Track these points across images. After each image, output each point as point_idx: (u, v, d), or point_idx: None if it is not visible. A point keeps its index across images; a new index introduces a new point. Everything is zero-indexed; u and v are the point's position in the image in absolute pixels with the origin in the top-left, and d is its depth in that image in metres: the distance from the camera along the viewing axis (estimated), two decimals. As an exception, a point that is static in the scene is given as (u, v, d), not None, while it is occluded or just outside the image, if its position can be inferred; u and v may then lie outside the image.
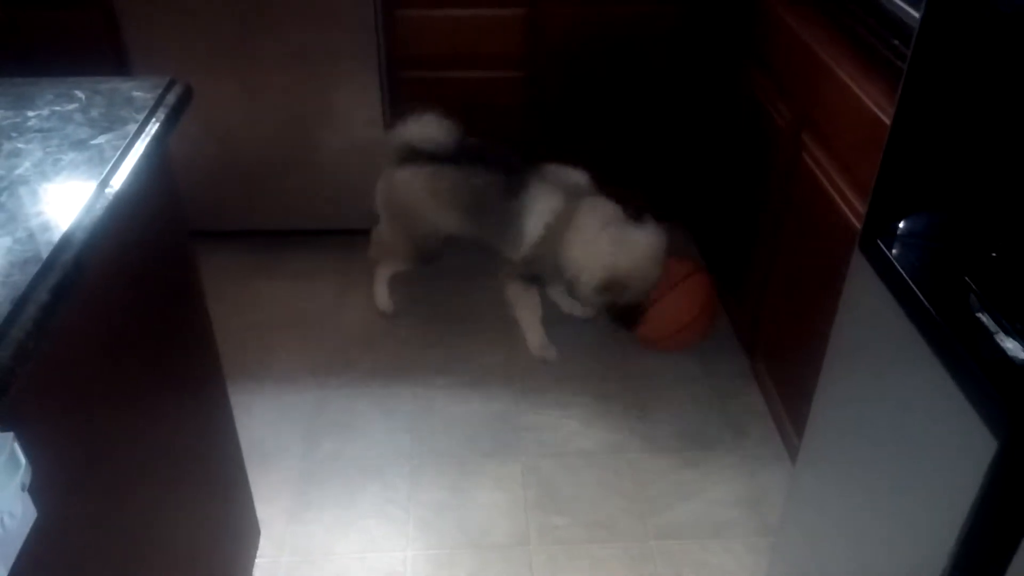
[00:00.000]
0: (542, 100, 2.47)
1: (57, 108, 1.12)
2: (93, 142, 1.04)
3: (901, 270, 1.05)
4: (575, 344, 2.30)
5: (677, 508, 1.85)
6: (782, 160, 1.87)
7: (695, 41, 2.40)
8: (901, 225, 1.11)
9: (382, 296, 2.39)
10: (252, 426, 2.00)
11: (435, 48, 2.38)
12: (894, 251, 1.08)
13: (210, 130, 2.40)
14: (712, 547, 1.76)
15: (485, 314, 2.40)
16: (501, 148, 2.20)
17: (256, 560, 1.70)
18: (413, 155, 2.18)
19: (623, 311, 2.13)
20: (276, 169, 2.52)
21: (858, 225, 1.24)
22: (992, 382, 0.87)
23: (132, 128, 1.07)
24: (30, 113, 1.10)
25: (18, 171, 0.98)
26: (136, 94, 1.16)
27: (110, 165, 1.00)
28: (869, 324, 1.16)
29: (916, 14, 1.33)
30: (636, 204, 2.21)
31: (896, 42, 1.45)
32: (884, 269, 1.09)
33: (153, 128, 1.10)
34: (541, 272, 2.18)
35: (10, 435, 0.75)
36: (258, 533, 1.73)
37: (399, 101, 2.40)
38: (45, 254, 0.84)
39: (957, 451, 0.93)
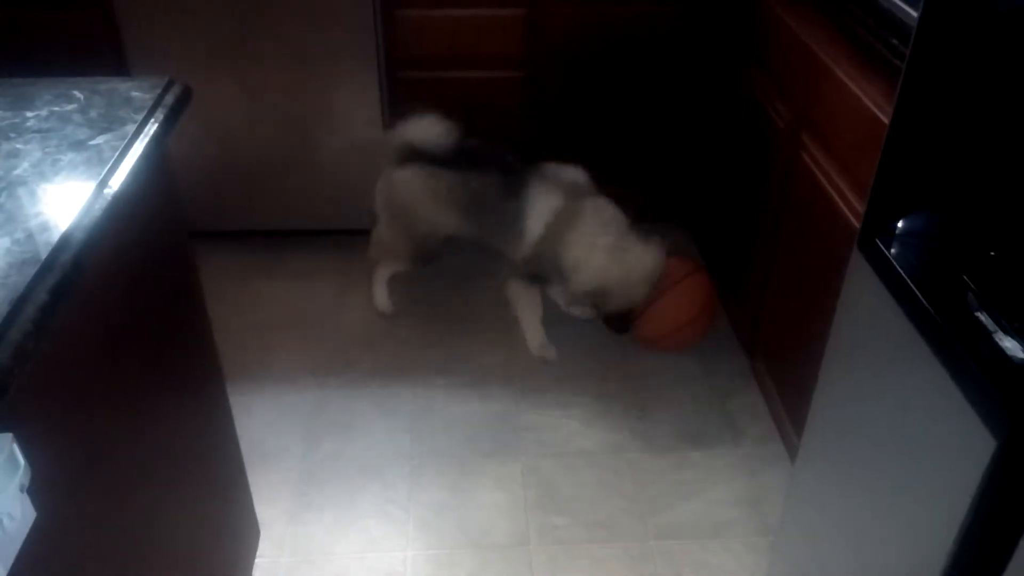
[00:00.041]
0: (542, 100, 2.47)
1: (56, 108, 1.12)
2: (92, 142, 1.04)
3: (900, 269, 1.05)
4: (575, 344, 2.30)
5: (677, 508, 1.85)
6: (781, 160, 1.87)
7: (694, 41, 2.40)
8: (900, 224, 1.11)
9: (381, 296, 2.39)
10: (252, 426, 2.01)
11: (434, 48, 2.38)
12: (893, 250, 1.08)
13: (209, 130, 2.40)
14: (712, 547, 1.76)
15: (485, 314, 2.40)
16: (500, 148, 2.20)
17: (256, 560, 1.70)
18: (413, 155, 2.18)
19: (612, 316, 2.14)
20: (276, 169, 2.52)
21: (857, 224, 1.24)
22: (991, 381, 0.87)
23: (131, 128, 1.07)
24: (29, 114, 1.11)
25: (16, 172, 0.98)
26: (135, 94, 1.16)
27: (109, 165, 1.00)
28: (868, 323, 1.16)
29: (915, 14, 1.33)
30: (638, 205, 2.21)
31: (895, 41, 1.45)
32: (883, 268, 1.09)
33: (152, 128, 1.10)
34: (542, 271, 2.18)
35: (9, 436, 0.75)
36: (258, 533, 1.73)
37: (398, 101, 2.40)
38: (44, 255, 0.84)
39: (956, 450, 0.93)
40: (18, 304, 0.78)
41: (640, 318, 2.16)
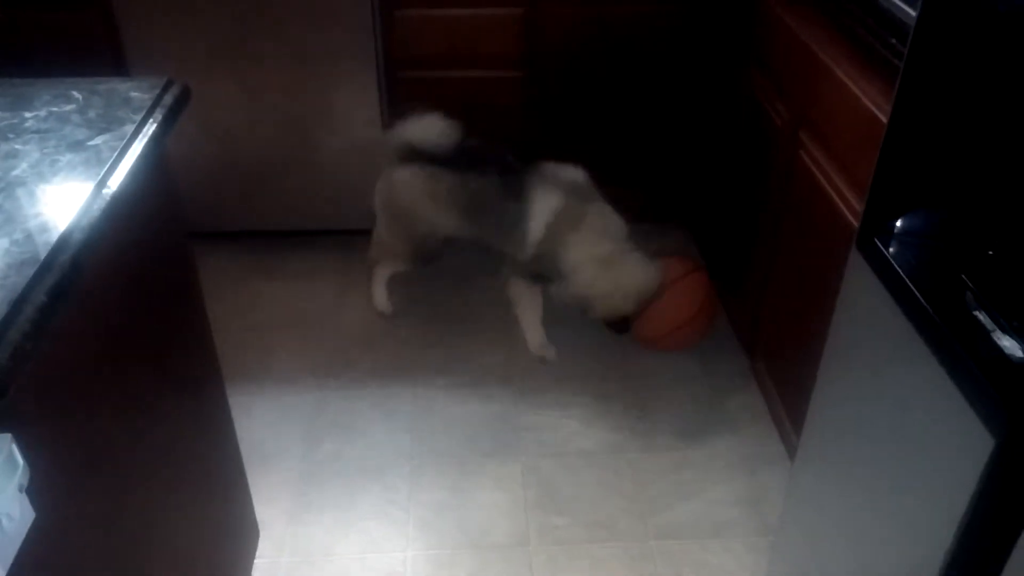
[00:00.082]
0: (541, 100, 2.47)
1: (54, 109, 1.12)
2: (90, 143, 1.04)
3: (898, 268, 1.05)
4: (575, 344, 2.30)
5: (677, 508, 1.85)
6: (781, 160, 1.87)
7: (694, 41, 2.40)
8: (898, 223, 1.11)
9: (380, 297, 2.39)
10: (252, 427, 2.01)
11: (433, 48, 2.38)
12: (891, 249, 1.08)
13: (209, 130, 2.40)
14: (712, 547, 1.76)
15: (485, 314, 2.40)
16: (500, 148, 2.19)
17: (256, 561, 1.70)
18: (413, 156, 2.18)
19: (612, 319, 2.15)
20: (275, 169, 2.52)
21: (856, 224, 1.24)
22: (989, 380, 0.87)
23: (129, 129, 1.07)
24: (27, 114, 1.11)
25: (15, 172, 0.98)
26: (133, 95, 1.16)
27: (107, 166, 1.00)
28: (867, 322, 1.16)
29: (914, 13, 1.33)
30: (638, 205, 2.21)
31: (894, 41, 1.45)
32: (881, 267, 1.09)
33: (151, 129, 1.10)
34: (543, 271, 2.18)
35: (8, 436, 0.75)
36: (257, 534, 1.73)
37: (397, 101, 2.41)
38: (42, 255, 0.84)
39: (954, 449, 0.93)
40: (17, 305, 0.78)
41: (639, 318, 2.16)
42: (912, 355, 1.00)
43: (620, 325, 2.17)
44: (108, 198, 0.96)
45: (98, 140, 1.05)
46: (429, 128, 2.14)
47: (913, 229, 1.11)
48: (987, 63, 1.01)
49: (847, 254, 1.20)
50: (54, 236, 0.87)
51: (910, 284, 1.02)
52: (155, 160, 1.11)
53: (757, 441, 2.01)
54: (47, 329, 0.80)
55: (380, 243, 2.35)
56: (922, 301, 0.99)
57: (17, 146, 1.04)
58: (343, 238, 2.62)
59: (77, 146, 1.04)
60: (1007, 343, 0.89)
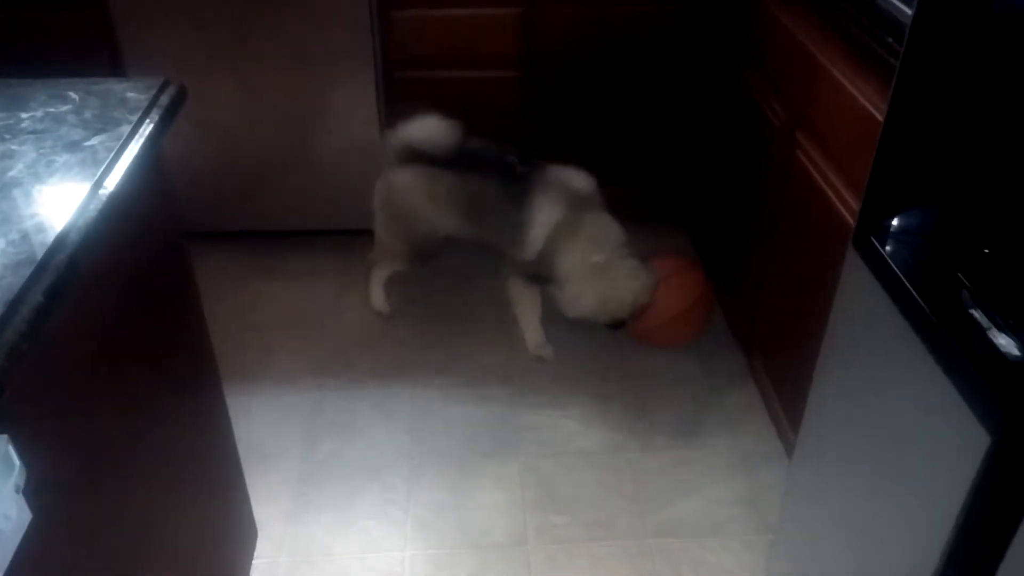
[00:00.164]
0: (539, 100, 2.47)
1: (51, 109, 1.12)
2: (87, 143, 1.04)
3: (894, 267, 1.05)
4: (574, 344, 2.30)
5: (676, 506, 1.85)
6: (777, 159, 1.87)
7: (691, 41, 2.40)
8: (894, 222, 1.12)
9: (378, 297, 2.39)
10: (251, 427, 2.01)
11: (431, 48, 2.38)
12: (887, 248, 1.09)
13: (207, 131, 2.40)
14: (711, 545, 1.76)
15: (484, 314, 2.41)
16: (501, 149, 2.19)
17: (254, 561, 1.70)
18: (412, 156, 2.18)
19: (609, 322, 2.15)
20: (274, 169, 2.52)
21: (852, 223, 1.24)
22: (985, 378, 0.87)
23: (126, 129, 1.07)
24: (23, 114, 1.11)
25: (11, 173, 0.98)
26: (130, 95, 1.16)
27: (104, 166, 1.00)
28: (863, 321, 1.16)
29: (910, 12, 1.33)
30: (636, 206, 2.21)
31: (890, 40, 1.45)
32: (878, 266, 1.09)
33: (147, 129, 1.10)
34: (542, 273, 2.18)
35: (4, 437, 0.75)
36: (256, 534, 1.73)
37: (396, 101, 2.41)
38: (39, 256, 0.84)
39: (951, 446, 0.93)
40: (13, 305, 0.78)
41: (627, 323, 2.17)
42: (908, 353, 1.00)
43: (613, 324, 2.16)
44: (104, 198, 0.96)
45: (94, 140, 1.05)
46: (428, 129, 2.14)
47: (909, 228, 1.11)
48: (983, 62, 1.02)
49: (844, 253, 1.20)
50: (50, 236, 0.87)
51: (906, 282, 1.02)
52: (151, 160, 1.11)
53: (755, 439, 2.01)
54: (43, 329, 0.80)
55: (378, 243, 2.35)
56: (918, 299, 0.99)
57: (13, 147, 1.04)
58: (342, 238, 2.62)
59: (73, 146, 1.04)
60: (1003, 341, 0.89)
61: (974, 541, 0.91)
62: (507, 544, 1.77)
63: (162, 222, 1.25)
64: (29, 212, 0.91)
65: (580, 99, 2.48)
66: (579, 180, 2.14)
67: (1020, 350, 0.87)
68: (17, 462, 0.77)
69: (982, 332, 0.91)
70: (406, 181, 2.20)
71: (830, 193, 1.60)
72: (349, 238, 2.58)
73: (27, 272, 0.82)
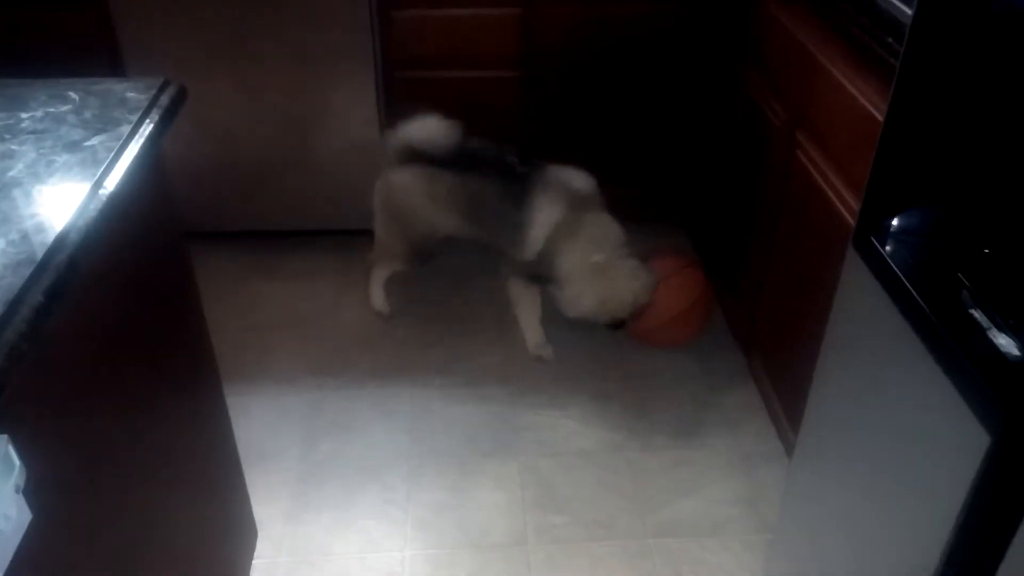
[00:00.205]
0: (538, 100, 2.47)
1: (50, 109, 1.12)
2: (87, 143, 1.04)
3: (894, 267, 1.05)
4: (573, 344, 2.30)
5: (675, 506, 1.85)
6: (777, 159, 1.87)
7: (691, 40, 2.40)
8: (894, 222, 1.12)
9: (378, 297, 2.39)
10: (250, 427, 2.00)
11: (431, 48, 2.38)
12: (887, 248, 1.09)
13: (207, 131, 2.40)
14: (710, 545, 1.76)
15: (483, 314, 2.41)
16: (501, 149, 2.18)
17: (254, 561, 1.70)
18: (411, 157, 2.18)
19: (609, 322, 2.15)
20: (273, 169, 2.52)
21: (852, 223, 1.24)
22: (985, 378, 0.87)
23: (126, 129, 1.07)
24: (23, 115, 1.11)
25: (11, 173, 0.98)
26: (130, 95, 1.16)
27: (104, 166, 1.00)
28: (863, 321, 1.16)
29: (910, 12, 1.33)
30: (636, 205, 2.21)
31: (890, 40, 1.45)
32: (878, 266, 1.09)
33: (147, 129, 1.10)
34: (542, 273, 2.18)
35: (4, 437, 0.75)
36: (255, 534, 1.73)
37: (395, 101, 2.41)
38: (39, 256, 0.84)
39: (951, 446, 0.93)
40: (13, 305, 0.78)
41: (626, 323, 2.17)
42: (908, 353, 1.00)
43: (613, 324, 2.17)
44: (104, 198, 0.96)
45: (94, 141, 1.05)
46: (428, 129, 2.14)
47: (909, 228, 1.11)
48: (983, 62, 1.02)
49: (844, 253, 1.20)
50: (50, 236, 0.87)
51: (906, 282, 1.02)
52: (151, 160, 1.11)
53: (755, 439, 2.02)
54: (43, 330, 0.80)
55: (378, 243, 2.35)
56: (918, 299, 0.99)
57: (13, 147, 1.04)
58: (342, 238, 2.62)
59: (73, 146, 1.04)
60: (1003, 341, 0.89)
61: (974, 541, 0.91)
62: (507, 544, 1.77)
63: (162, 222, 1.25)
64: (29, 212, 0.91)
65: (580, 99, 2.48)
66: (579, 180, 2.14)
67: (1020, 350, 0.87)
68: (17, 462, 0.77)
69: (982, 332, 0.91)
70: (406, 181, 2.20)
71: (830, 193, 1.60)
72: (349, 238, 2.58)
73: (27, 272, 0.82)
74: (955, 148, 1.06)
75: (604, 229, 2.11)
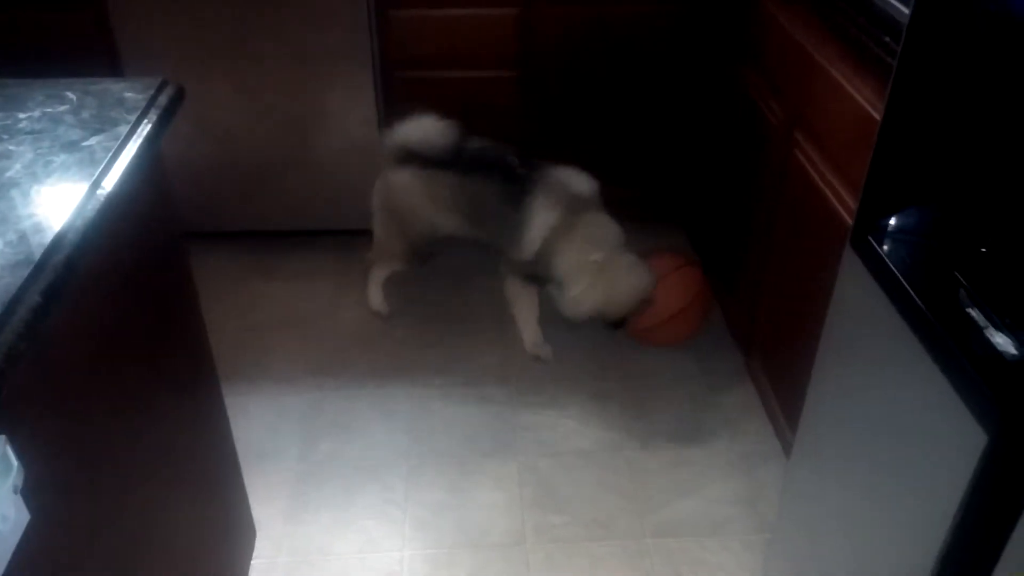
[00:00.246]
0: (537, 100, 2.47)
1: (48, 110, 1.12)
2: (84, 143, 1.04)
3: (892, 266, 1.05)
4: (572, 343, 2.30)
5: (674, 506, 1.85)
6: (775, 158, 1.88)
7: (689, 40, 2.40)
8: (892, 221, 1.12)
9: (376, 297, 2.39)
10: (249, 427, 2.01)
11: (429, 48, 2.38)
12: (885, 247, 1.09)
13: (205, 131, 2.40)
14: (710, 545, 1.77)
15: (482, 314, 2.41)
16: (501, 149, 2.18)
17: (253, 561, 1.70)
18: (409, 156, 2.18)
19: (606, 321, 2.15)
20: (272, 170, 2.52)
21: (850, 222, 1.24)
22: (982, 377, 0.87)
23: (124, 129, 1.07)
24: (21, 115, 1.11)
25: (9, 173, 0.98)
26: (128, 95, 1.16)
27: (102, 166, 1.00)
28: (860, 320, 1.16)
29: (907, 12, 1.34)
30: (634, 205, 2.21)
31: (887, 39, 1.45)
32: (875, 265, 1.09)
33: (145, 129, 1.10)
34: (540, 274, 2.18)
35: (2, 438, 0.75)
36: (254, 534, 1.73)
37: (394, 101, 2.41)
38: (37, 256, 0.84)
39: (948, 445, 0.94)
40: (11, 306, 0.78)
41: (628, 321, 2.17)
42: (906, 352, 1.00)
43: (614, 323, 2.17)
44: (102, 199, 0.96)
45: (92, 141, 1.05)
46: (423, 129, 2.14)
47: (907, 227, 1.11)
48: (979, 61, 1.02)
49: (841, 252, 1.20)
50: (48, 237, 0.87)
51: (904, 282, 1.02)
52: (149, 161, 1.11)
53: (753, 439, 2.02)
54: (41, 330, 0.80)
55: (377, 243, 2.35)
56: (915, 298, 0.99)
57: (11, 147, 1.04)
58: (341, 238, 2.62)
59: (71, 147, 1.04)
60: (1000, 340, 0.89)
61: (971, 539, 0.91)
62: (506, 544, 1.77)
63: (160, 222, 1.25)
64: (27, 213, 0.91)
65: (578, 98, 2.48)
66: (579, 181, 2.14)
67: (1017, 349, 0.87)
68: (15, 463, 0.77)
69: (979, 331, 0.91)
70: (405, 181, 2.20)
71: (827, 192, 1.60)
72: (348, 238, 2.58)
73: (25, 273, 0.82)
74: (952, 147, 1.07)
75: (601, 228, 2.11)
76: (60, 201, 0.93)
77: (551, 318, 2.28)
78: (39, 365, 0.83)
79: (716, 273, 2.32)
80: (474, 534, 1.79)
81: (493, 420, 2.08)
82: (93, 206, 0.94)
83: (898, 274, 1.03)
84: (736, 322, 2.24)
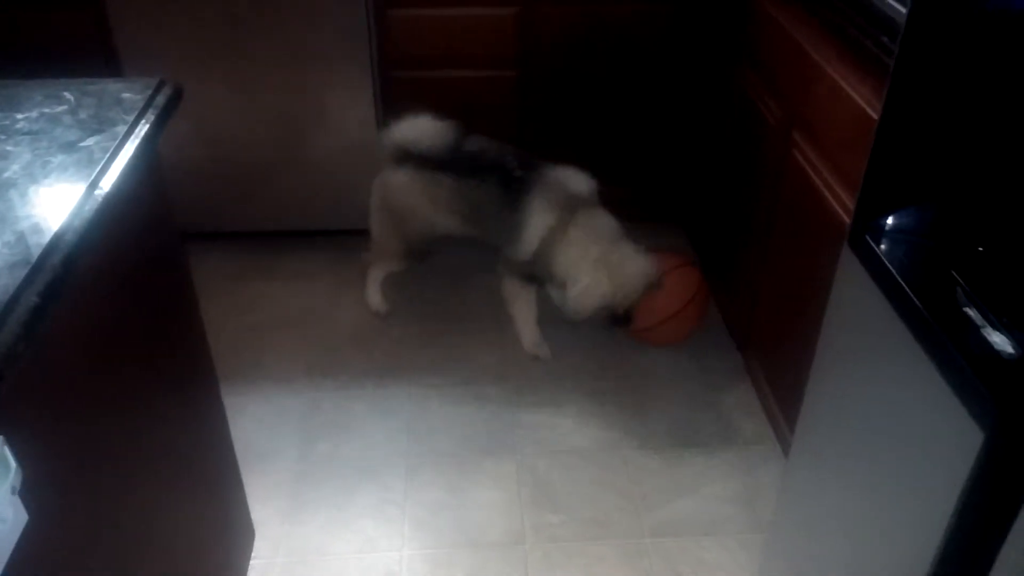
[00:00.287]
0: (535, 99, 2.47)
1: (46, 110, 1.12)
2: (82, 144, 1.04)
3: (889, 265, 1.05)
4: (570, 343, 2.30)
5: (672, 505, 1.86)
6: (773, 158, 1.88)
7: (687, 40, 2.40)
8: (889, 220, 1.12)
9: (375, 296, 2.39)
10: (248, 427, 2.01)
11: (427, 48, 2.38)
12: (882, 247, 1.09)
13: (204, 131, 2.40)
14: (707, 544, 1.77)
15: (480, 313, 2.41)
16: (500, 149, 2.17)
17: (251, 561, 1.70)
18: (405, 156, 2.18)
19: (613, 316, 2.15)
20: (270, 170, 2.52)
21: (847, 221, 1.25)
22: (979, 376, 0.87)
23: (121, 130, 1.07)
24: (19, 115, 1.10)
25: (6, 174, 0.98)
26: (125, 95, 1.16)
27: (99, 167, 1.00)
28: (858, 319, 1.17)
29: (905, 11, 1.34)
30: (632, 205, 2.21)
31: (885, 39, 1.45)
32: (872, 265, 1.09)
33: (143, 129, 1.10)
34: (539, 273, 2.18)
35: (0, 439, 0.75)
36: (252, 534, 1.73)
37: (392, 101, 2.41)
38: (34, 257, 0.84)
39: (945, 443, 0.94)
40: (9, 306, 0.78)
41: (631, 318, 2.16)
42: (903, 351, 1.00)
43: (622, 318, 2.16)
44: (100, 199, 0.96)
45: (90, 141, 1.05)
46: (420, 129, 2.14)
47: (904, 226, 1.12)
48: (977, 61, 1.02)
49: (839, 251, 1.20)
50: (46, 237, 0.87)
51: (901, 281, 1.02)
52: (147, 161, 1.12)
53: (752, 438, 2.02)
54: (39, 331, 0.80)
55: (375, 243, 2.35)
56: (913, 298, 1.00)
57: (8, 147, 1.04)
58: (339, 238, 2.62)
59: (69, 147, 1.04)
60: (997, 339, 0.89)
61: (969, 537, 0.92)
62: (504, 543, 1.78)
63: (158, 223, 1.25)
64: (24, 213, 0.91)
65: (576, 98, 2.48)
66: (577, 181, 2.13)
67: (1014, 348, 0.87)
68: (13, 463, 0.77)
69: (976, 330, 0.91)
70: (402, 181, 2.20)
71: (825, 191, 1.60)
72: (345, 238, 2.57)
73: (22, 273, 0.82)
74: (950, 147, 1.07)
75: (597, 222, 2.10)
76: (58, 201, 0.93)
77: (550, 317, 2.28)
78: (37, 366, 0.83)
79: (714, 272, 2.33)
80: (473, 533, 1.80)
81: (491, 419, 2.08)
82: (91, 206, 0.94)
83: (895, 273, 1.04)
84: (734, 322, 2.24)
